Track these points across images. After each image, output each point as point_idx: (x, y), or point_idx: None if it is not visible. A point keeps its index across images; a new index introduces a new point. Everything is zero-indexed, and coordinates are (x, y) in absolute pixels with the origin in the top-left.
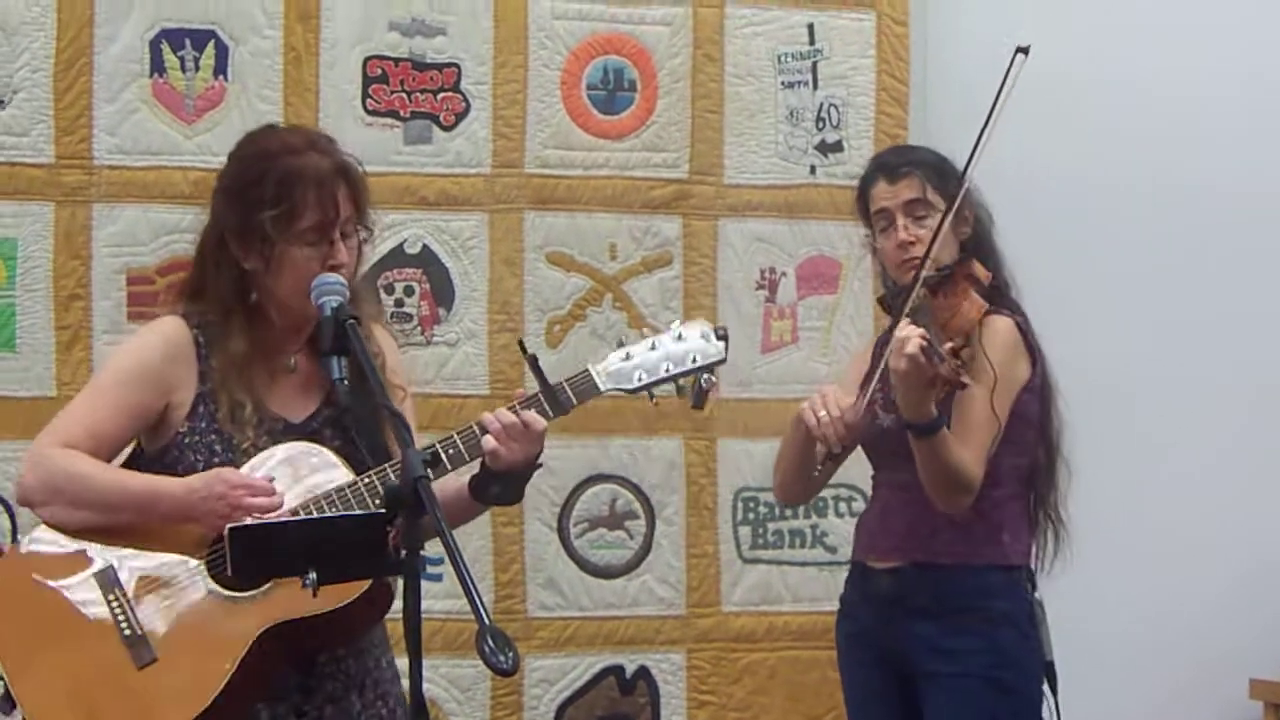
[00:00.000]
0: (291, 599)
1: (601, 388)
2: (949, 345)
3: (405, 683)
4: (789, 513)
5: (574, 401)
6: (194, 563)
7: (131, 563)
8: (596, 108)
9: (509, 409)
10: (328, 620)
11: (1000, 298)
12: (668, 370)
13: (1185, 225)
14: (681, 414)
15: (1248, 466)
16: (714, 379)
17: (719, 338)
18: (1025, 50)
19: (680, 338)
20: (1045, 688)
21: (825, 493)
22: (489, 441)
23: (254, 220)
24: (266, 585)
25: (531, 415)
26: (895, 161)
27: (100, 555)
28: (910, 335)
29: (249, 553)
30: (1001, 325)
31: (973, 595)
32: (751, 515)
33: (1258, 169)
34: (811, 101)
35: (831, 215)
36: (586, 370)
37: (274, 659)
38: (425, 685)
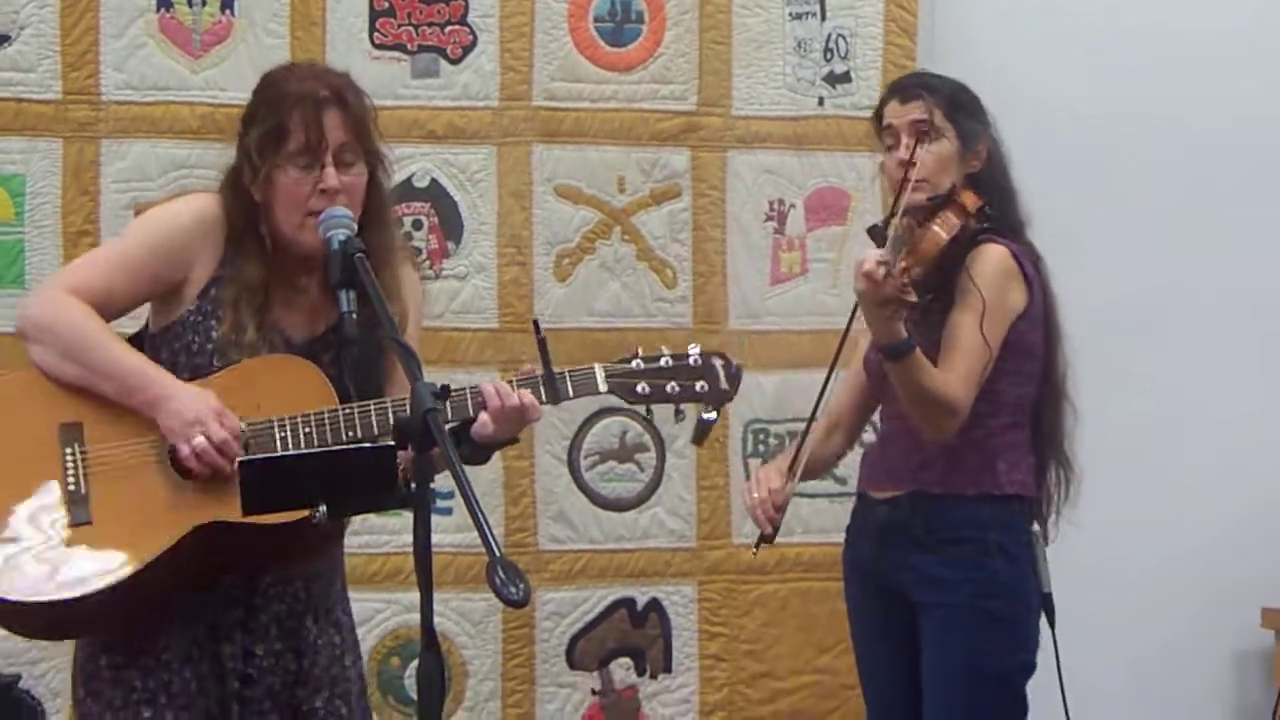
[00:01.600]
0: (235, 502)
1: (600, 389)
2: (901, 265)
3: (416, 616)
4: None
5: (570, 395)
6: (160, 441)
7: (101, 426)
8: (604, 40)
9: (507, 383)
10: (263, 534)
11: (1005, 231)
12: (673, 391)
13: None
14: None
15: (1259, 399)
16: (715, 417)
17: (732, 376)
18: None
19: (694, 363)
20: (1044, 621)
21: None
22: (484, 417)
23: (248, 142)
24: (218, 481)
25: (531, 399)
26: (910, 83)
27: (73, 406)
28: (866, 256)
29: (259, 485)
30: (993, 252)
31: (965, 526)
32: (762, 447)
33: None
34: (819, 32)
35: (840, 146)
36: (592, 368)
37: (206, 559)
38: (436, 619)
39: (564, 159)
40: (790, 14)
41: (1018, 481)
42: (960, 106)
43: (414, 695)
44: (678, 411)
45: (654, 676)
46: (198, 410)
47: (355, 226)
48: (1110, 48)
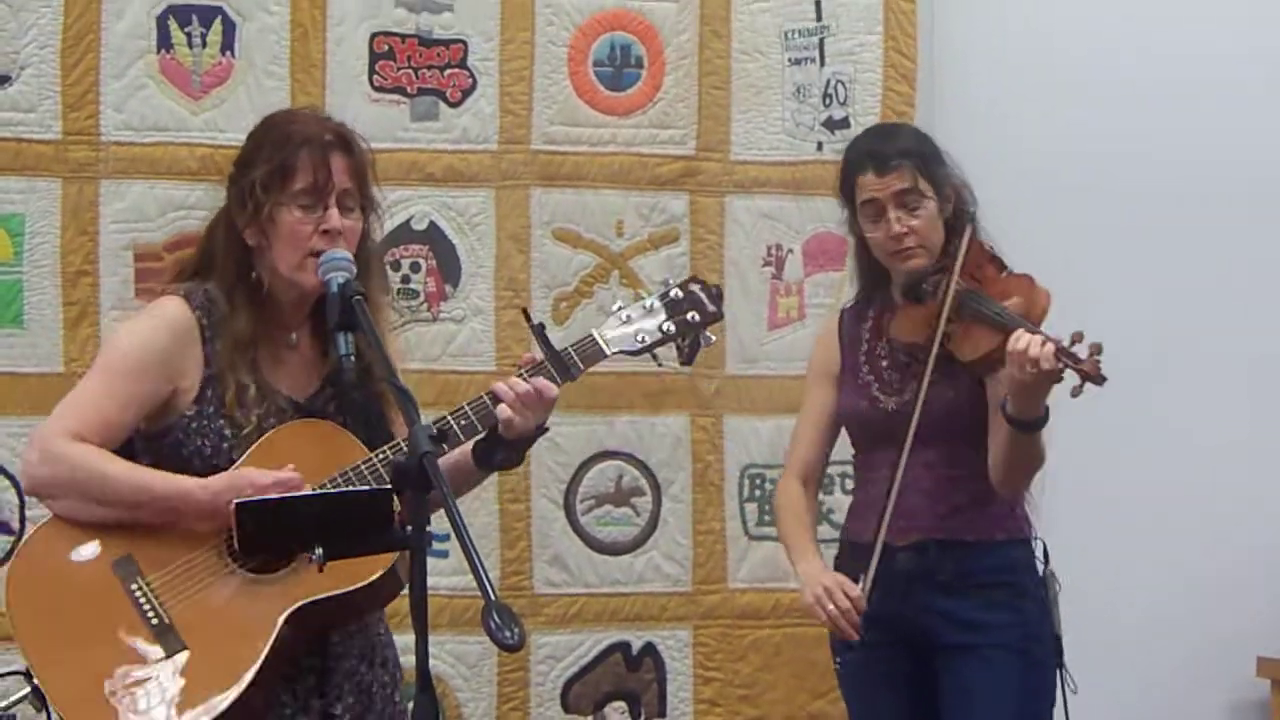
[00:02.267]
0: (315, 578)
1: (607, 351)
2: (1075, 342)
3: (411, 658)
4: None
5: (581, 367)
6: (213, 547)
7: (150, 551)
8: (603, 84)
9: (519, 376)
10: (351, 598)
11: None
12: (668, 330)
13: (1193, 200)
14: (688, 391)
15: (1256, 444)
16: (712, 337)
17: (714, 295)
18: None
19: (677, 296)
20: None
21: (831, 470)
22: (504, 410)
23: (248, 181)
24: (289, 566)
25: (543, 382)
26: (884, 151)
27: (117, 545)
28: (1033, 343)
29: (256, 529)
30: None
31: (999, 570)
32: (758, 492)
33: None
34: (818, 78)
35: (839, 192)
36: (591, 335)
37: (296, 640)
38: (431, 661)
39: (562, 202)
40: (789, 60)
41: (1029, 526)
42: (929, 159)
43: None
44: (679, 349)
45: None
46: (242, 490)
47: (354, 269)
48: (1108, 92)
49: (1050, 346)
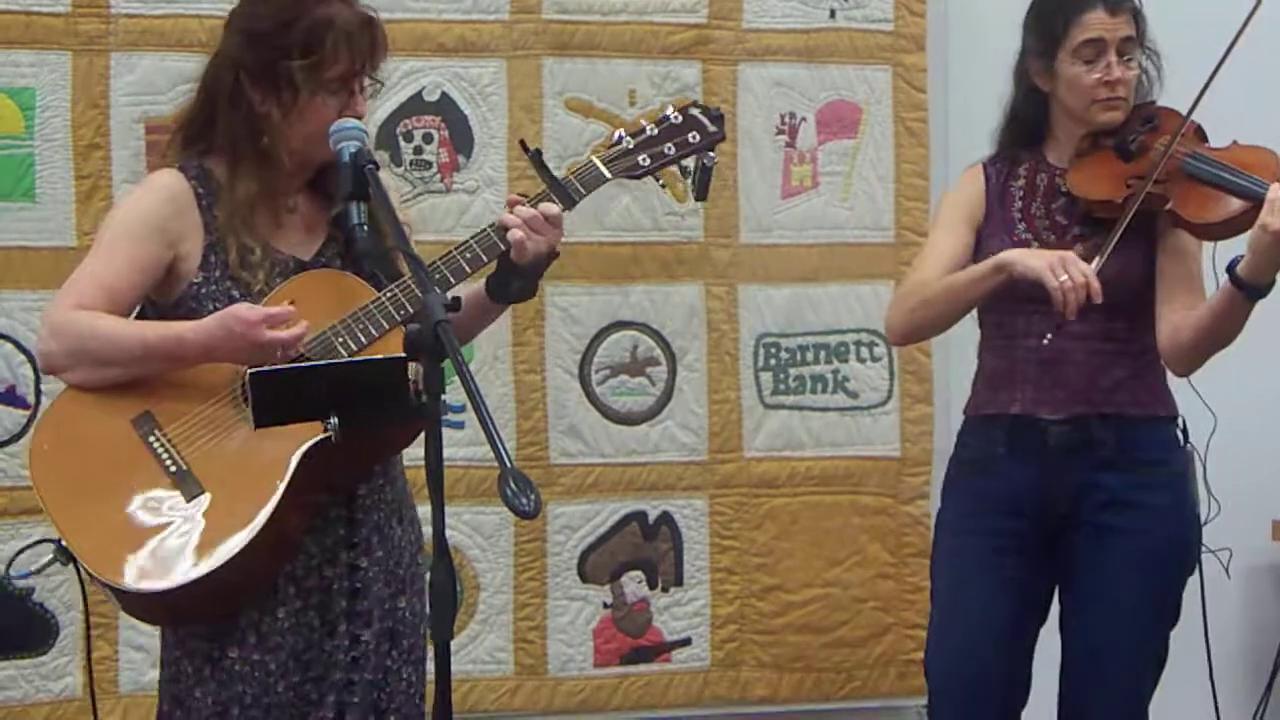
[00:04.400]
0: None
1: (607, 175)
2: None
3: (428, 529)
4: (810, 358)
5: (582, 191)
6: (228, 393)
7: (167, 404)
8: None
9: (523, 204)
10: (363, 440)
11: None
12: (670, 152)
13: None
14: (702, 260)
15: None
16: (715, 157)
17: (715, 116)
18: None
19: (676, 120)
20: None
21: (847, 337)
22: (515, 234)
23: (280, 67)
24: None
25: (547, 205)
26: None
27: (134, 402)
28: None
29: (269, 398)
30: None
31: (1161, 447)
32: (773, 361)
33: None
34: None
35: (851, 59)
36: (591, 160)
37: (317, 485)
38: (448, 532)
39: (574, 72)
40: None
41: (1176, 405)
42: (1140, 17)
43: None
44: (691, 179)
45: (665, 590)
46: (250, 335)
47: (365, 138)
48: None
49: None
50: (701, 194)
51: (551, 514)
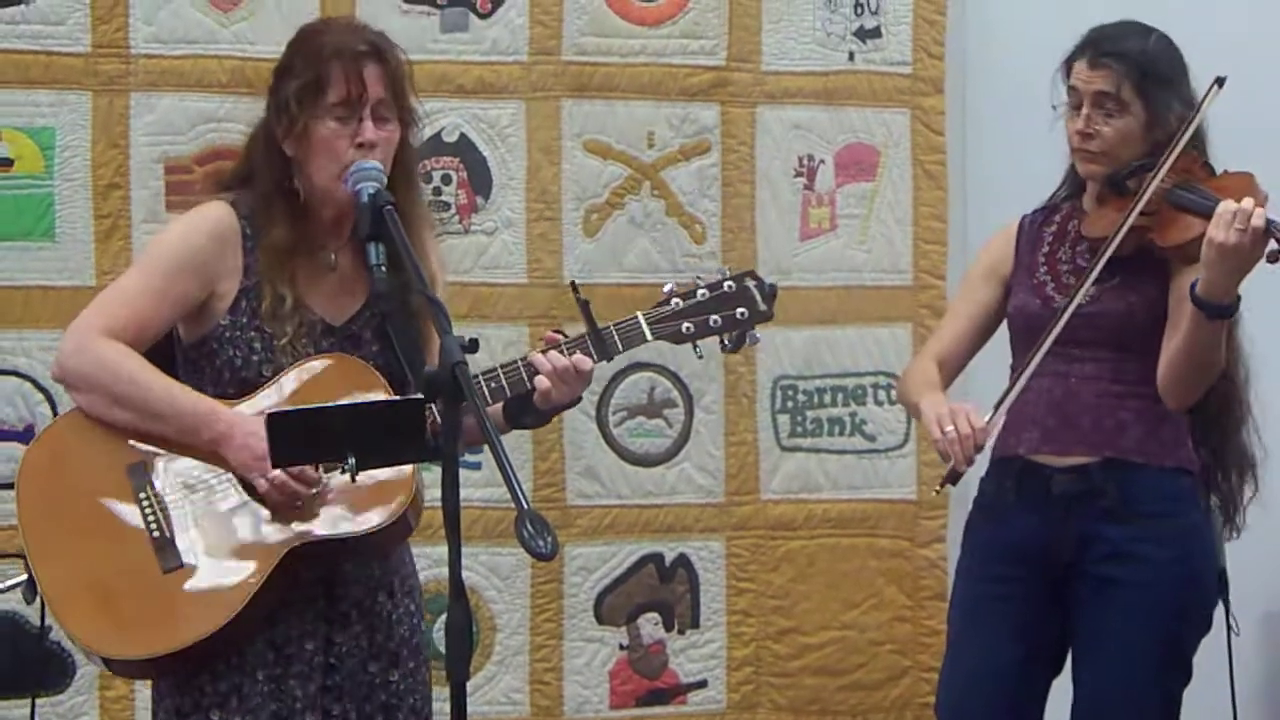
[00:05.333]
0: (321, 518)
1: (648, 337)
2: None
3: (444, 570)
4: (827, 400)
5: (620, 348)
6: (228, 472)
7: (166, 463)
8: None
9: (557, 349)
10: (356, 542)
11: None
12: (715, 324)
13: None
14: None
15: None
16: (758, 336)
17: (768, 294)
18: (1221, 82)
19: (729, 289)
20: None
21: (864, 380)
22: (543, 382)
23: (284, 94)
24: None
25: (581, 358)
26: (1103, 46)
27: (136, 450)
28: (1250, 207)
29: (288, 439)
30: None
31: (1165, 499)
32: (790, 403)
33: None
34: None
35: (870, 102)
36: (635, 318)
37: (299, 572)
38: (465, 573)
39: (593, 114)
40: None
41: (1195, 459)
42: (1152, 76)
43: (444, 649)
44: (723, 343)
45: (682, 632)
46: (259, 465)
47: (385, 179)
48: None
49: (1262, 210)
50: (733, 351)
51: (568, 555)
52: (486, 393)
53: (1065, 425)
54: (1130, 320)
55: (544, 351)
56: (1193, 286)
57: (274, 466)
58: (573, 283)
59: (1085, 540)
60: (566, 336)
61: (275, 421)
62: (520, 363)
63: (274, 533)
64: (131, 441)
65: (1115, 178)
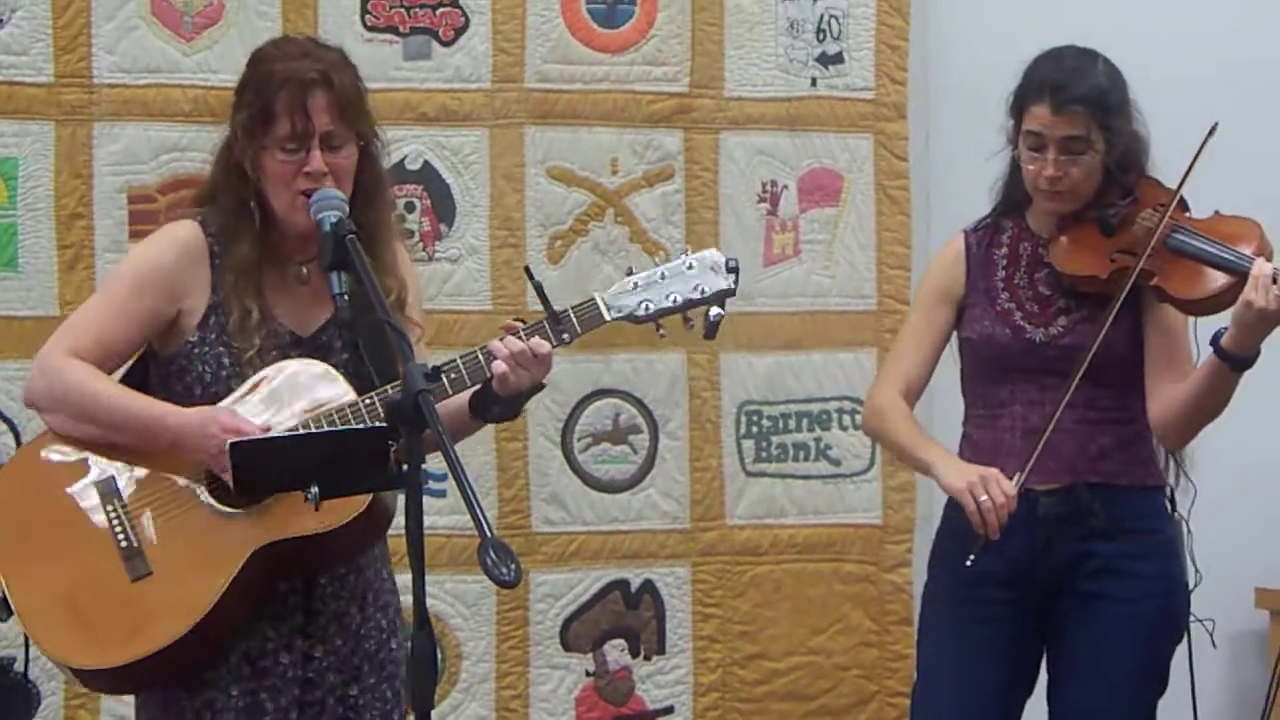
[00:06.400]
0: (286, 518)
1: (607, 317)
2: None
3: (408, 597)
4: (792, 425)
5: (578, 330)
6: (192, 478)
7: (132, 474)
8: (596, 21)
9: (515, 336)
10: (323, 541)
11: None
12: (674, 301)
13: None
14: (683, 329)
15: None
16: (723, 312)
17: (729, 269)
18: (1213, 130)
19: (690, 267)
20: None
21: (829, 405)
22: (499, 366)
23: (237, 122)
24: (265, 502)
25: (538, 341)
26: (1066, 91)
27: (101, 465)
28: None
29: (251, 467)
30: None
31: (1149, 516)
32: (755, 429)
33: None
34: (812, 13)
35: (833, 127)
36: (593, 299)
37: (269, 577)
38: (430, 601)
39: (557, 141)
40: None
41: (1164, 474)
42: (1110, 109)
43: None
44: (686, 320)
45: (648, 658)
46: (219, 439)
47: (346, 208)
48: (1109, 20)
49: None
50: (709, 336)
51: (534, 582)
52: (448, 384)
53: (1047, 452)
54: (1108, 354)
55: (501, 339)
56: (1215, 340)
57: (236, 494)
58: (526, 267)
59: (1077, 558)
60: (525, 323)
61: (238, 449)
62: (479, 351)
63: (240, 535)
64: (98, 457)
65: (1102, 212)
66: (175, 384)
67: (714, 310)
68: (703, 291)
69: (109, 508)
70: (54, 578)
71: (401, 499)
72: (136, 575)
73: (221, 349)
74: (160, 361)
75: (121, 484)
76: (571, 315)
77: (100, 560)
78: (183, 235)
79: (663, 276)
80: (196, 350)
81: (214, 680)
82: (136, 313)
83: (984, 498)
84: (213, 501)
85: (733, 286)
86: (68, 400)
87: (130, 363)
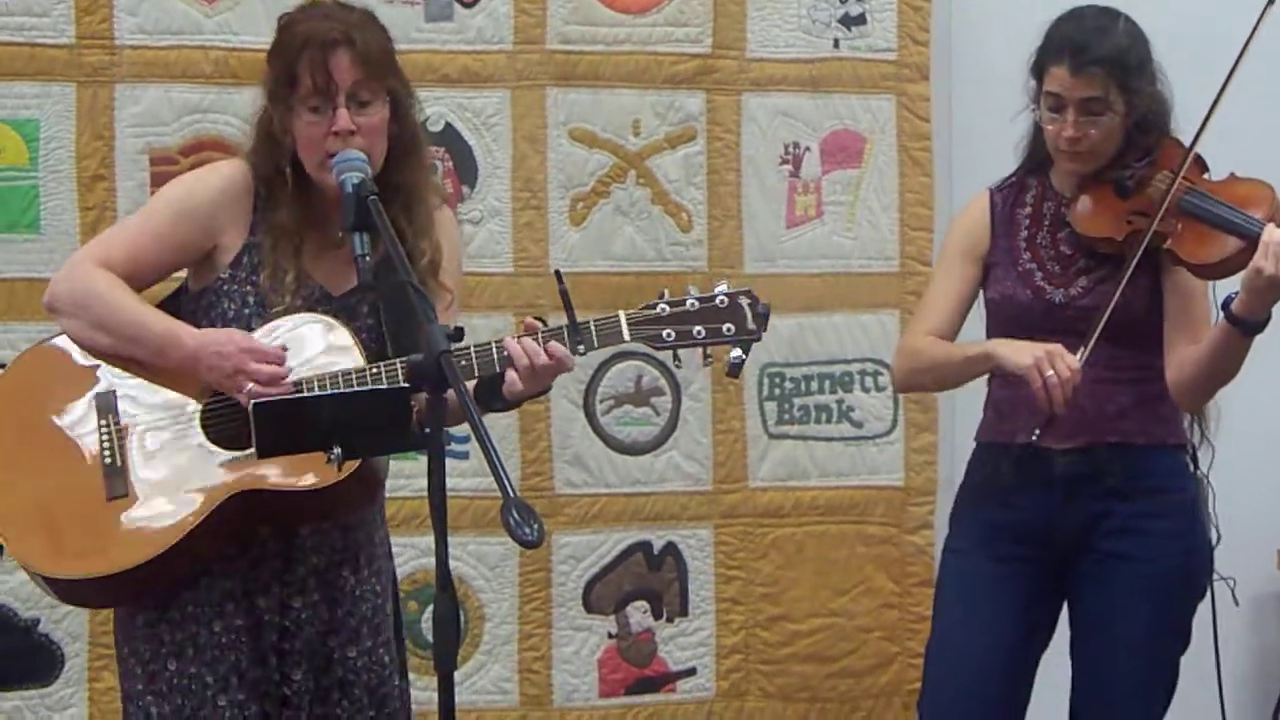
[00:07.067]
0: (271, 469)
1: (626, 337)
2: None
3: (431, 560)
4: (815, 387)
5: (595, 344)
6: (192, 408)
7: (134, 394)
8: None
9: (533, 339)
10: (303, 497)
11: None
12: (697, 335)
13: None
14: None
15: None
16: (744, 356)
17: (760, 314)
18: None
19: (720, 304)
20: None
21: (852, 367)
22: (511, 375)
23: (267, 86)
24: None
25: (556, 346)
26: (1087, 52)
27: (106, 378)
28: None
29: (273, 426)
30: None
31: (1169, 475)
32: (777, 390)
33: None
34: None
35: (855, 89)
36: (616, 316)
37: (250, 519)
38: (453, 563)
39: (578, 102)
40: None
41: (1185, 433)
42: (1130, 69)
43: (431, 639)
44: (705, 356)
45: (670, 620)
46: (234, 359)
47: (369, 169)
48: None
49: None
50: (731, 374)
51: (556, 544)
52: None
53: (1066, 411)
54: (1126, 314)
55: (519, 338)
56: (1225, 304)
57: (260, 456)
58: (557, 272)
59: (1095, 517)
60: (545, 324)
61: (261, 409)
62: (494, 345)
63: (221, 476)
64: (103, 370)
65: (1119, 173)
66: (202, 319)
67: (735, 352)
68: (729, 332)
69: (103, 422)
70: (34, 484)
71: (404, 463)
72: (113, 495)
73: (249, 289)
74: (190, 297)
75: (121, 401)
76: (592, 327)
77: (82, 474)
78: (228, 172)
79: (692, 307)
80: (225, 287)
81: (196, 615)
82: (171, 239)
83: (1050, 373)
84: (204, 438)
85: (761, 335)
86: (89, 306)
87: (162, 300)
